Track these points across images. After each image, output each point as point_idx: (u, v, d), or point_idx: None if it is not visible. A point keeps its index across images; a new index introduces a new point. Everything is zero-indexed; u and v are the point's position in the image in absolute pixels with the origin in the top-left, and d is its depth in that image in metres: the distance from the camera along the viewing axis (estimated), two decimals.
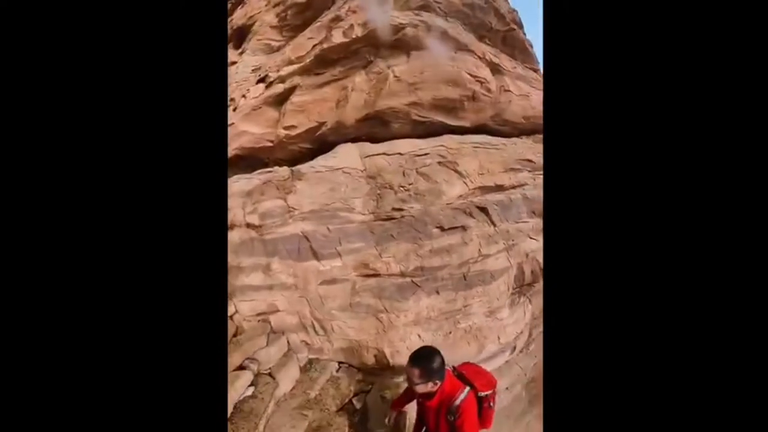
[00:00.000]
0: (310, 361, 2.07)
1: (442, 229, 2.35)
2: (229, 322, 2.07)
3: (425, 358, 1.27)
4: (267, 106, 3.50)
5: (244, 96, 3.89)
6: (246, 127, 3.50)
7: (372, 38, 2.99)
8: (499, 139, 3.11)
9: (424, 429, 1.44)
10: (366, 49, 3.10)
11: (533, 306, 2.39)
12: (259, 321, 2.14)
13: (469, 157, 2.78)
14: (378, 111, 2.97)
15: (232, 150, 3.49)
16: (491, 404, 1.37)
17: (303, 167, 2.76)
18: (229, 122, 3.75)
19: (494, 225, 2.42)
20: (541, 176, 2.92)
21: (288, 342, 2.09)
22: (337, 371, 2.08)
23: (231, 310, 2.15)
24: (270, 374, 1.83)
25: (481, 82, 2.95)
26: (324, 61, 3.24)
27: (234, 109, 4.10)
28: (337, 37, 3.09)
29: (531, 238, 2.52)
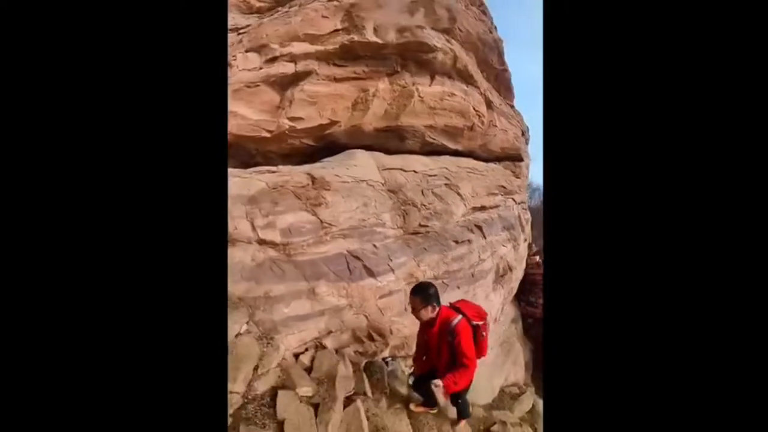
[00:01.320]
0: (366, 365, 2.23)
1: (456, 242, 3.05)
2: (278, 363, 1.78)
3: (421, 287, 1.67)
4: (267, 86, 2.94)
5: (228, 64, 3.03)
6: (237, 107, 2.84)
7: (403, 46, 3.07)
8: (482, 164, 3.91)
9: (424, 358, 1.82)
10: (395, 58, 3.13)
11: (504, 291, 3.61)
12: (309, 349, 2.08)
13: (465, 180, 3.51)
14: (399, 126, 3.18)
15: None
16: (484, 334, 1.69)
17: (323, 173, 2.66)
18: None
19: (485, 238, 3.33)
20: (510, 199, 4.07)
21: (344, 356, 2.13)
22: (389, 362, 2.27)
23: (281, 351, 1.86)
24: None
25: (480, 116, 3.66)
26: (349, 54, 3.03)
27: None
28: (370, 34, 2.96)
29: (503, 246, 3.60)
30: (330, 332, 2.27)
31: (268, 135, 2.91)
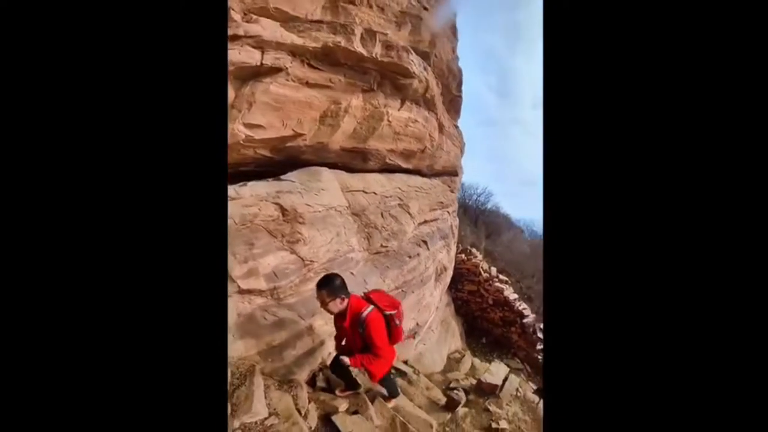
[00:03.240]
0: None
1: (409, 257, 3.75)
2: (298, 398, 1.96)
3: (327, 280, 1.71)
4: None
5: None
6: None
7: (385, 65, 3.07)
8: (427, 182, 4.54)
9: (343, 343, 1.95)
10: (375, 74, 3.09)
11: (441, 286, 4.79)
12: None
13: (414, 200, 4.15)
14: (365, 148, 3.35)
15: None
16: (398, 322, 1.82)
17: (293, 203, 2.64)
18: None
19: (429, 249, 4.19)
20: (446, 212, 5.06)
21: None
22: None
23: (305, 387, 2.07)
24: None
25: (432, 140, 4.22)
26: (329, 58, 2.77)
27: None
28: (358, 43, 2.77)
29: (440, 252, 4.59)
30: (329, 353, 2.59)
31: None
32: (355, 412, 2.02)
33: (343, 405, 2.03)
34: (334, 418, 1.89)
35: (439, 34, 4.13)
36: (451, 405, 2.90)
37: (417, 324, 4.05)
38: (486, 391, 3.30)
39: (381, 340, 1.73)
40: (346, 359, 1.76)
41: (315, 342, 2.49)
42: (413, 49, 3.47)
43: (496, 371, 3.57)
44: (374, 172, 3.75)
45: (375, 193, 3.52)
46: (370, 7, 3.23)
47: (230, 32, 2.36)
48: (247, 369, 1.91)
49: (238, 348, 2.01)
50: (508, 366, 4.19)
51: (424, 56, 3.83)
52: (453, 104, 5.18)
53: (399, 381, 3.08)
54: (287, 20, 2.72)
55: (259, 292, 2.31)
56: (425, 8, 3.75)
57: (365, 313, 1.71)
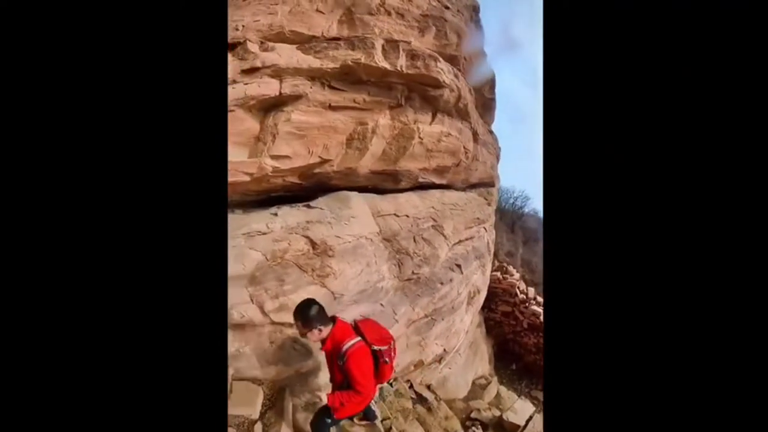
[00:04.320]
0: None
1: (441, 283, 3.57)
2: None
3: (301, 309, 1.61)
4: (244, 111, 2.41)
5: None
6: None
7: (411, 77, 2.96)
8: (462, 196, 4.32)
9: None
10: (401, 88, 3.00)
11: (473, 309, 4.62)
12: None
13: (448, 219, 3.95)
14: (396, 170, 3.25)
15: None
16: (387, 360, 1.69)
17: (322, 235, 2.59)
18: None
19: (462, 273, 4.01)
20: (482, 228, 4.82)
21: None
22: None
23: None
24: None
25: (467, 153, 4.02)
26: (350, 77, 2.70)
27: None
28: (379, 57, 2.70)
29: (474, 274, 4.36)
30: None
31: (247, 179, 2.56)
32: None
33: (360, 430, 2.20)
34: None
35: (464, 31, 3.90)
36: None
37: (444, 350, 3.87)
38: (507, 429, 3.12)
39: (363, 376, 1.58)
40: (323, 397, 1.72)
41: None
42: (440, 54, 3.28)
43: (520, 409, 3.38)
44: (406, 191, 3.63)
45: (407, 215, 3.39)
46: (389, 14, 3.06)
47: (248, 65, 2.39)
48: (278, 392, 2.19)
49: (270, 372, 2.21)
50: (536, 399, 3.94)
51: (453, 60, 3.62)
52: (486, 108, 4.92)
53: (419, 408, 3.01)
54: (305, 41, 2.71)
55: (290, 325, 2.31)
56: (447, 7, 3.53)
57: (346, 347, 1.59)
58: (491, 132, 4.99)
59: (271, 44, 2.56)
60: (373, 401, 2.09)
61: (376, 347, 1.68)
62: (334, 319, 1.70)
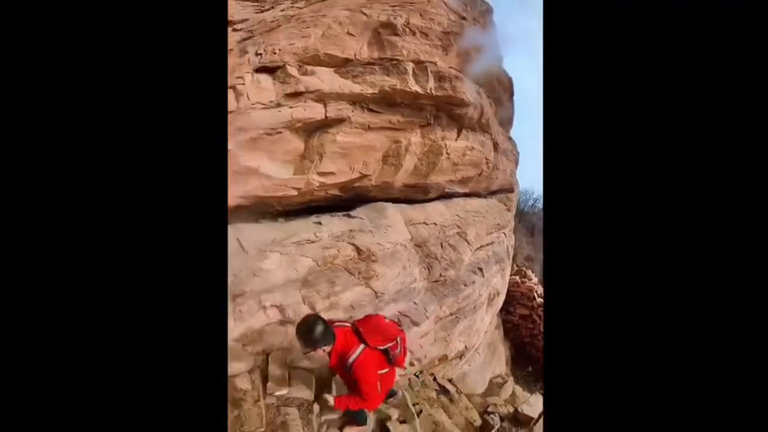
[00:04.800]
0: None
1: (465, 285, 3.96)
2: None
3: (305, 329, 1.55)
4: (291, 133, 2.85)
5: (233, 88, 2.69)
6: (258, 160, 2.69)
7: (439, 98, 3.33)
8: (484, 203, 4.67)
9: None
10: (430, 108, 3.39)
11: (492, 310, 4.95)
12: None
13: (471, 225, 4.32)
14: (426, 183, 3.65)
15: (232, 198, 2.61)
16: (397, 351, 1.72)
17: (366, 243, 3.01)
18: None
19: (483, 276, 4.38)
20: (502, 233, 5.16)
21: None
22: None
23: None
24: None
25: (488, 163, 4.37)
26: (386, 99, 3.09)
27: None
28: (412, 82, 3.09)
29: (495, 277, 4.73)
30: None
31: (294, 193, 2.99)
32: (403, 422, 2.49)
33: (395, 414, 2.52)
34: (388, 424, 2.39)
35: (482, 44, 4.22)
36: (485, 428, 3.11)
37: (465, 347, 4.22)
38: (521, 421, 3.43)
39: (368, 385, 1.58)
40: (330, 399, 1.70)
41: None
42: (461, 69, 3.63)
43: (535, 403, 3.66)
44: (434, 200, 4.01)
45: (435, 223, 3.77)
46: (414, 34, 3.40)
47: (291, 90, 2.82)
48: (327, 379, 2.51)
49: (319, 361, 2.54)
50: None
51: (477, 80, 4.00)
52: (506, 113, 5.24)
53: (442, 398, 3.39)
54: (339, 64, 3.11)
55: (338, 321, 2.74)
56: (463, 18, 3.84)
57: (351, 360, 1.57)
58: (510, 138, 5.31)
59: (309, 68, 2.98)
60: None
61: (380, 347, 1.66)
62: (334, 335, 1.63)
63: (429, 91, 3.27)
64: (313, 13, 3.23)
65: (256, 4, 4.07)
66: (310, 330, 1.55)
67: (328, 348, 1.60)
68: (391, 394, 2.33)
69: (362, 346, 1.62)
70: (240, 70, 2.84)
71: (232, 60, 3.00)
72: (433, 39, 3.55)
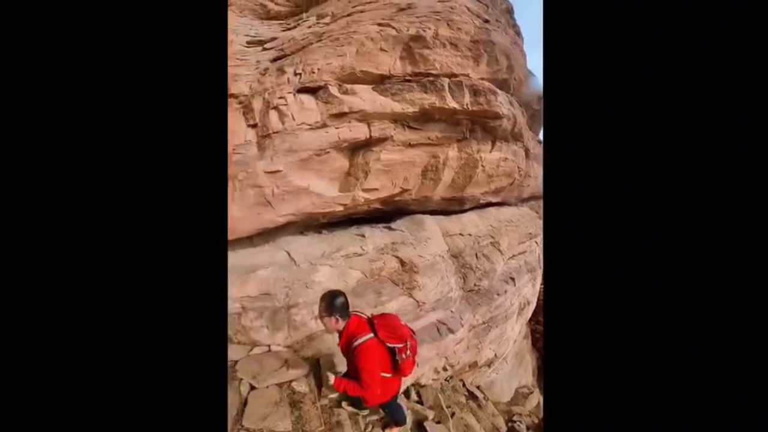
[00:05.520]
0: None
1: (498, 294, 4.14)
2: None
3: (329, 295, 1.70)
4: (337, 152, 3.11)
5: (276, 108, 2.98)
6: (308, 179, 2.97)
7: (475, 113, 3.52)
8: (516, 212, 4.82)
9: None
10: (466, 123, 3.58)
11: (522, 319, 5.11)
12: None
13: (504, 235, 4.48)
14: (462, 196, 3.85)
15: (281, 216, 2.89)
16: (405, 355, 1.71)
17: (409, 255, 3.22)
18: (265, 156, 2.85)
19: (515, 285, 4.55)
20: (534, 242, 5.30)
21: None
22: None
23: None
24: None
25: (520, 171, 4.52)
26: (425, 117, 3.30)
27: (254, 126, 3.00)
28: (450, 100, 3.28)
29: (525, 287, 4.84)
30: (423, 374, 3.26)
31: (341, 209, 3.25)
32: (439, 422, 2.74)
33: (431, 414, 2.76)
34: (426, 424, 2.63)
35: (513, 53, 4.33)
36: None
37: (495, 355, 4.38)
38: None
39: (369, 374, 1.62)
40: (331, 378, 1.77)
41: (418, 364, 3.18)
42: (493, 80, 3.77)
43: None
44: (468, 211, 4.21)
45: (470, 234, 3.96)
46: (444, 46, 3.56)
47: (335, 110, 3.05)
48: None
49: None
50: None
51: (504, 84, 4.07)
52: (534, 119, 5.34)
53: (470, 403, 3.57)
54: (375, 81, 3.33)
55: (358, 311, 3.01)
56: (487, 21, 3.96)
57: (357, 342, 1.64)
58: (540, 142, 5.41)
59: (349, 87, 3.21)
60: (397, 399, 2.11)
61: (390, 344, 1.68)
62: (350, 314, 1.73)
63: (465, 107, 3.46)
64: (343, 30, 3.48)
65: (281, 22, 4.40)
66: (333, 297, 1.71)
67: (341, 321, 1.69)
68: (396, 415, 2.18)
69: (371, 334, 1.67)
70: (281, 91, 3.11)
71: (269, 80, 3.28)
72: (462, 49, 3.70)
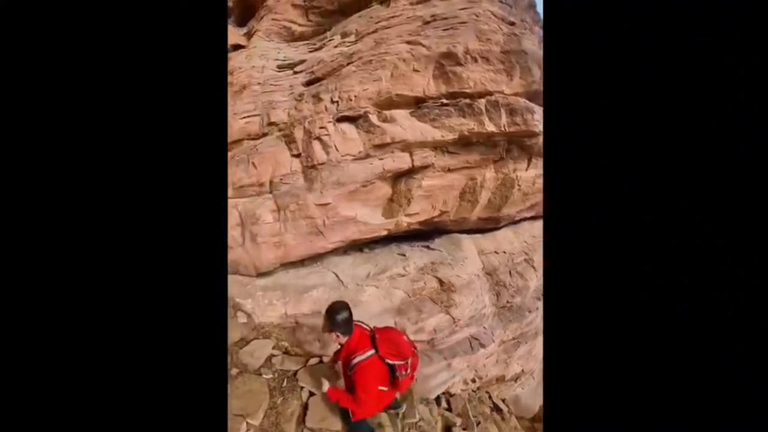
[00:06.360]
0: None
1: (529, 311, 4.38)
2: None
3: (333, 310, 1.69)
4: (381, 181, 3.40)
5: (318, 138, 3.26)
6: (353, 210, 3.24)
7: (512, 134, 3.65)
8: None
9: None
10: (503, 144, 3.75)
11: None
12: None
13: (538, 251, 4.64)
14: (498, 216, 4.05)
15: (331, 243, 3.22)
16: (404, 372, 1.70)
17: (447, 275, 3.50)
18: (314, 189, 3.16)
19: None
20: None
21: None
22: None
23: (434, 413, 3.21)
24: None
25: None
26: (464, 141, 3.50)
27: (298, 155, 3.32)
28: (488, 124, 3.45)
29: None
30: (453, 384, 3.57)
31: (385, 233, 3.55)
32: (465, 429, 3.00)
33: (458, 420, 3.03)
34: (454, 429, 2.92)
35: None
36: None
37: (522, 371, 4.60)
38: None
39: (364, 391, 1.63)
40: (325, 386, 1.81)
41: (449, 375, 3.47)
42: (527, 93, 3.78)
43: None
44: (503, 228, 4.41)
45: (504, 252, 4.18)
46: (475, 61, 3.59)
47: (378, 141, 3.27)
48: (409, 389, 3.03)
49: None
50: None
51: (537, 95, 4.05)
52: None
53: (495, 415, 3.85)
54: (410, 103, 3.50)
55: (421, 342, 3.29)
56: (512, 23, 3.94)
57: (357, 360, 1.64)
58: None
59: (388, 114, 3.42)
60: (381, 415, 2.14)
61: (390, 361, 1.67)
62: (352, 329, 1.73)
63: (503, 129, 3.61)
64: (372, 50, 3.63)
65: (306, 42, 4.60)
66: (337, 312, 1.69)
67: (342, 338, 1.70)
68: (394, 405, 2.32)
69: (372, 351, 1.66)
70: (321, 120, 3.39)
71: (306, 107, 3.55)
72: (494, 63, 3.72)
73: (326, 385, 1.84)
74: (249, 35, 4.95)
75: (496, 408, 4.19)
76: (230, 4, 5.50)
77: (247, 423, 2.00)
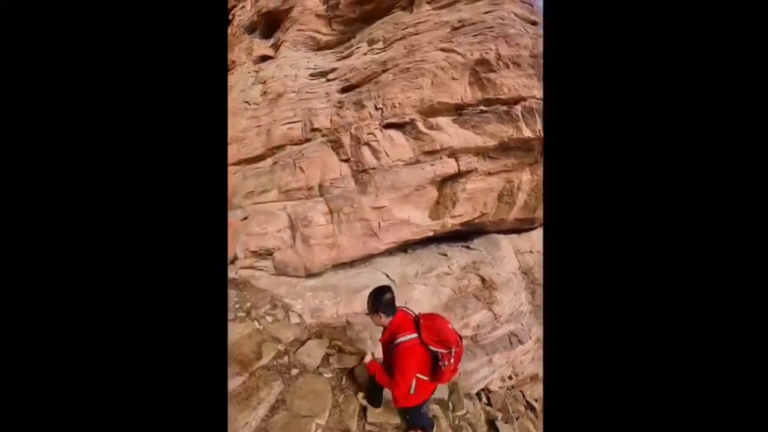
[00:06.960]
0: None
1: None
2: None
3: (375, 293, 1.75)
4: (431, 185, 3.62)
5: (367, 144, 3.50)
6: (406, 213, 3.47)
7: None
8: None
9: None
10: (538, 147, 4.01)
11: None
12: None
13: None
14: (534, 216, 4.30)
15: (385, 244, 3.43)
16: (447, 363, 1.67)
17: (489, 273, 3.75)
18: (368, 192, 3.36)
19: None
20: None
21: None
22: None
23: (479, 408, 3.50)
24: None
25: None
26: (504, 147, 3.73)
27: (346, 160, 3.53)
28: (525, 130, 3.68)
29: None
30: (492, 380, 3.80)
31: (431, 233, 3.78)
32: (507, 422, 3.20)
33: (499, 415, 3.22)
34: (497, 422, 3.10)
35: None
36: None
37: None
38: None
39: (402, 373, 1.65)
40: (368, 357, 1.91)
41: (490, 370, 3.69)
42: None
43: None
44: (538, 228, 4.65)
45: (539, 251, 4.43)
46: (507, 67, 3.73)
47: (427, 148, 3.48)
48: (453, 383, 3.10)
49: None
50: None
51: None
52: None
53: (528, 413, 4.05)
54: (450, 110, 3.71)
55: (466, 338, 3.52)
56: (534, 23, 4.03)
57: (400, 340, 1.66)
58: None
59: (434, 121, 3.65)
60: (425, 406, 2.13)
61: (433, 348, 1.66)
62: (395, 310, 1.77)
63: (538, 134, 3.86)
64: (407, 58, 3.83)
65: (332, 50, 4.80)
66: (380, 294, 1.75)
67: (386, 318, 1.74)
68: (420, 420, 2.18)
69: (415, 335, 1.67)
70: (368, 127, 3.61)
71: (349, 114, 3.77)
72: (525, 68, 3.86)
73: (369, 357, 1.95)
74: (276, 46, 5.16)
75: (530, 407, 4.41)
76: (255, 18, 5.72)
77: (316, 423, 2.06)
